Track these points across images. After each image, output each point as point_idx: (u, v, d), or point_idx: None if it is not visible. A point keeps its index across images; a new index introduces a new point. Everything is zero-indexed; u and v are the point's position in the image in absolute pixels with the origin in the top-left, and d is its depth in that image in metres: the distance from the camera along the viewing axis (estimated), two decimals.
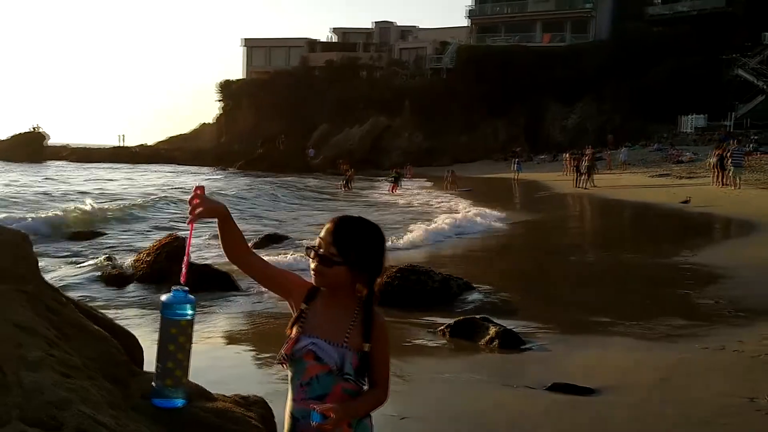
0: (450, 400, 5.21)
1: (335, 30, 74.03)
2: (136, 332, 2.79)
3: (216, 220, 2.17)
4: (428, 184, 39.05)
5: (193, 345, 1.94)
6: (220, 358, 6.17)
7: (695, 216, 18.63)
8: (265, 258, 2.55)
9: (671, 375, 5.64)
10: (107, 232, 16.01)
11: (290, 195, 30.76)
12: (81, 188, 29.35)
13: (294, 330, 2.27)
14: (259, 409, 2.12)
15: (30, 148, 58.39)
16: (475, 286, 9.15)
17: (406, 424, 4.54)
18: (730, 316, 7.87)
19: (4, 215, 16.14)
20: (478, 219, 18.46)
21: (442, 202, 26.76)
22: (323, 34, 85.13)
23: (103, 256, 11.49)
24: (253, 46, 72.90)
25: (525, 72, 52.42)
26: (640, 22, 53.42)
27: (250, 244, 2.33)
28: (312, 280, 2.26)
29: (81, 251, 12.86)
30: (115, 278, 10.02)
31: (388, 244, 2.27)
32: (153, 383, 1.92)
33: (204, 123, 77.58)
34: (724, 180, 24.91)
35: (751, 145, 34.25)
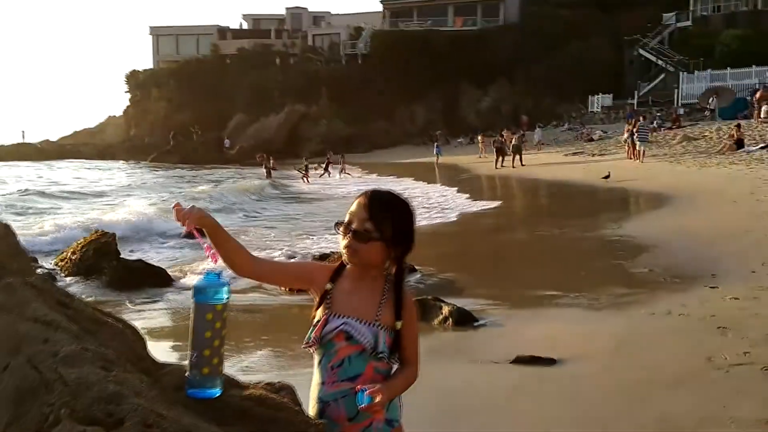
0: (419, 381, 5.20)
1: (246, 16, 72.59)
2: None
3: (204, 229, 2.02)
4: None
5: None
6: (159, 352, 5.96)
7: (616, 190, 19.36)
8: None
9: (627, 341, 5.83)
10: None
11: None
12: None
13: (320, 312, 2.18)
14: (288, 394, 2.01)
15: None
16: (417, 268, 9.20)
17: None
18: (667, 282, 8.20)
19: None
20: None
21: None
22: (234, 21, 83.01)
23: None
24: (160, 34, 70.51)
25: (439, 56, 52.99)
26: (547, 5, 54.85)
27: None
28: (345, 257, 2.18)
29: None
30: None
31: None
32: (187, 373, 1.80)
33: (111, 116, 74.65)
34: (636, 155, 26.04)
35: (655, 122, 35.83)
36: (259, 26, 69.58)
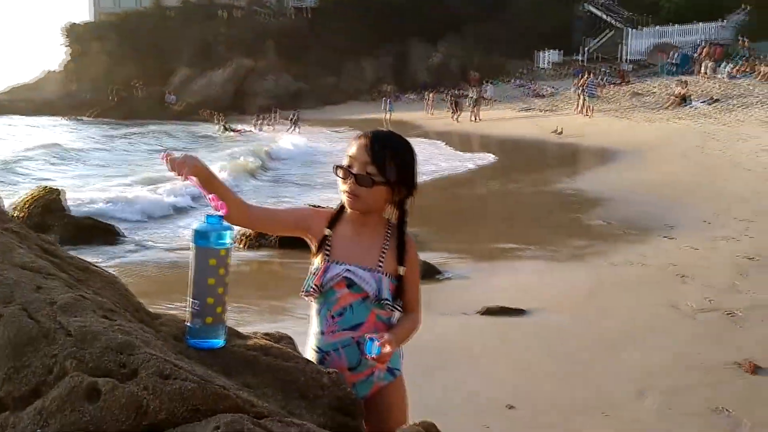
0: None
1: None
2: None
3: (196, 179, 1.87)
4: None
5: None
6: None
7: (567, 145, 19.61)
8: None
9: (593, 291, 5.90)
10: None
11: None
12: None
13: (319, 260, 2.08)
14: (288, 344, 1.92)
15: None
16: None
17: None
18: (624, 234, 8.35)
19: None
20: None
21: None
22: None
23: None
24: None
25: (389, 11, 52.22)
26: None
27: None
28: (346, 203, 2.07)
29: None
30: None
31: None
32: (188, 323, 1.68)
33: (50, 71, 71.58)
34: (585, 110, 26.37)
35: (604, 78, 36.21)
36: None
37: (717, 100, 23.56)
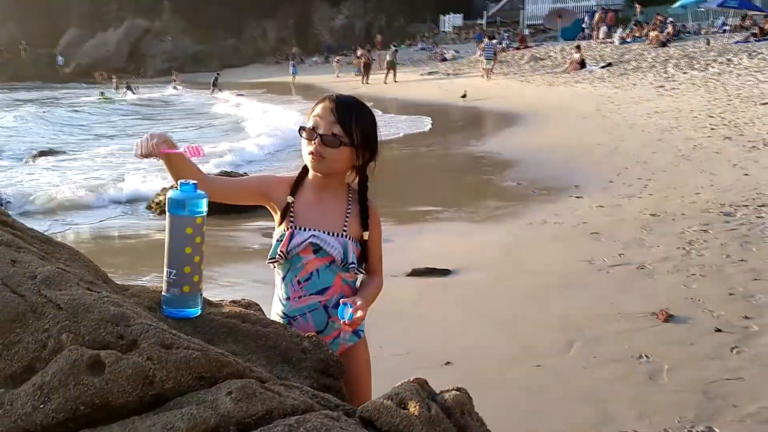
0: None
1: None
2: None
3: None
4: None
5: None
6: None
7: (474, 109, 19.97)
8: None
9: (512, 250, 6.14)
10: None
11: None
12: None
13: (283, 227, 2.08)
14: (258, 311, 1.93)
15: None
16: None
17: None
18: (536, 195, 8.67)
19: None
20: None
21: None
22: None
23: None
24: None
25: None
26: None
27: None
28: (310, 165, 2.07)
29: None
30: None
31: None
32: (165, 293, 1.66)
33: None
34: (485, 73, 26.91)
35: (503, 42, 36.93)
36: None
37: (610, 64, 24.54)
